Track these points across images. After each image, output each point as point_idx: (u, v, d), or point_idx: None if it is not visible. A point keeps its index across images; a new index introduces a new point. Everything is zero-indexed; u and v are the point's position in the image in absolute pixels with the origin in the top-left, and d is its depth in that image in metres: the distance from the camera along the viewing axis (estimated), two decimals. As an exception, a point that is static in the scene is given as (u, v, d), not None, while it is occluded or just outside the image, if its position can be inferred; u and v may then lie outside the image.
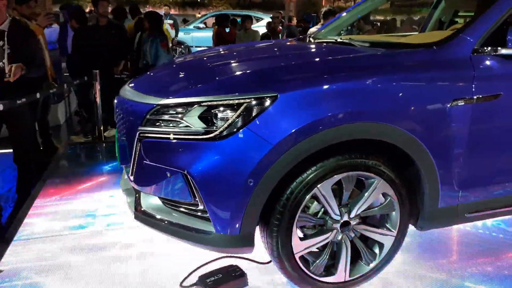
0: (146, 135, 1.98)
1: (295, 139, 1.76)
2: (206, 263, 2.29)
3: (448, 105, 1.94)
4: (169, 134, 1.90)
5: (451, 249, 2.50)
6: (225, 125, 1.79)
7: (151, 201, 2.12)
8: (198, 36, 13.21)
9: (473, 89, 1.97)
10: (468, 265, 2.33)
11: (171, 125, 1.93)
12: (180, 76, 2.34)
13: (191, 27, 13.83)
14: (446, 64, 1.99)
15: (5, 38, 3.14)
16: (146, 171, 2.05)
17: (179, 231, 1.98)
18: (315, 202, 1.94)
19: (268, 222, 1.89)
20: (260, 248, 2.06)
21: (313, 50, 2.50)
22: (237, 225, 1.84)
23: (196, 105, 1.86)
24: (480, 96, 1.98)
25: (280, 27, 14.13)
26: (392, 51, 2.09)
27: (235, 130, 1.78)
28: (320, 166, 1.84)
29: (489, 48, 2.02)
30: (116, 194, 3.27)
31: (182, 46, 12.78)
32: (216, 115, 1.83)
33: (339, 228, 1.97)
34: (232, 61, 2.43)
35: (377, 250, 2.09)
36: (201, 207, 1.90)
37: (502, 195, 2.19)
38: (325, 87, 1.83)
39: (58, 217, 2.95)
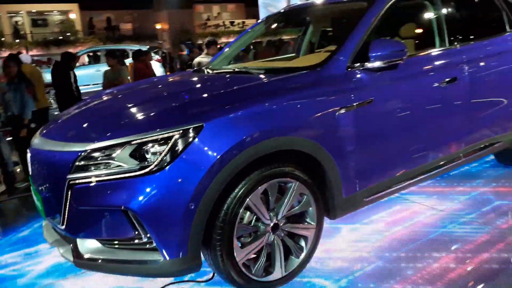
0: (77, 181, 2.04)
1: (224, 160, 2.00)
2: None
3: (337, 114, 2.39)
4: (102, 176, 2.00)
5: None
6: (160, 158, 1.95)
7: (88, 245, 2.15)
8: (78, 74, 12.55)
9: (352, 98, 2.46)
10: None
11: (101, 167, 2.03)
12: (98, 118, 2.41)
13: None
14: (330, 81, 2.45)
15: None
16: (80, 217, 2.09)
17: (127, 267, 2.07)
18: (248, 212, 2.20)
19: (210, 238, 2.09)
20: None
21: (221, 81, 2.78)
22: (184, 248, 2.01)
23: (126, 145, 2.00)
24: (358, 103, 2.47)
25: (160, 58, 14.27)
26: (286, 76, 2.48)
27: (169, 161, 1.96)
28: (248, 180, 2.12)
29: (358, 64, 2.53)
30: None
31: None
32: (147, 151, 1.99)
33: (270, 230, 2.26)
34: (148, 98, 2.59)
35: (303, 244, 2.42)
36: (145, 239, 2.02)
37: (387, 179, 2.72)
38: (240, 113, 2.12)
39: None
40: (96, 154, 2.03)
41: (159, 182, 1.95)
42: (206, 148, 2.00)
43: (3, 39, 23.51)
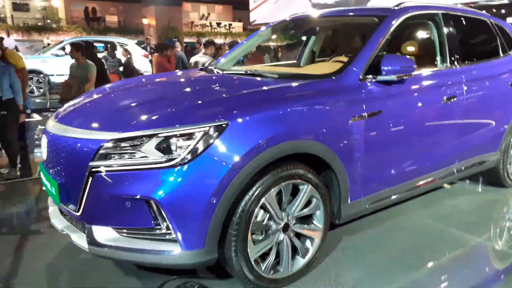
0: (99, 169, 2.07)
1: (247, 158, 2.08)
2: (163, 284, 2.41)
3: (349, 122, 2.50)
4: (126, 166, 2.04)
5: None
6: (186, 152, 2.01)
7: (103, 233, 2.17)
8: (58, 63, 12.33)
9: (364, 108, 2.58)
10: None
11: (126, 157, 2.07)
12: (122, 108, 2.43)
13: (47, 54, 12.82)
14: (345, 90, 2.56)
15: None
16: (98, 205, 2.12)
17: (143, 256, 2.11)
18: (261, 211, 2.27)
19: (225, 234, 2.16)
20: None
21: (239, 81, 2.85)
22: (202, 241, 2.07)
23: (153, 137, 2.05)
24: (369, 113, 2.60)
25: (147, 53, 14.14)
26: (304, 81, 2.58)
27: (195, 155, 2.02)
28: (265, 180, 2.20)
29: (370, 76, 2.66)
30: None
31: (42, 75, 11.78)
32: (173, 144, 2.04)
33: (281, 230, 2.35)
34: (169, 92, 2.64)
35: (309, 245, 2.52)
36: (164, 230, 2.07)
37: (389, 188, 2.86)
38: (263, 114, 2.20)
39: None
40: (122, 144, 2.06)
41: (184, 175, 2.00)
42: (230, 146, 2.07)
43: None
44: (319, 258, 2.58)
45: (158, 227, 2.07)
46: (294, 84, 2.53)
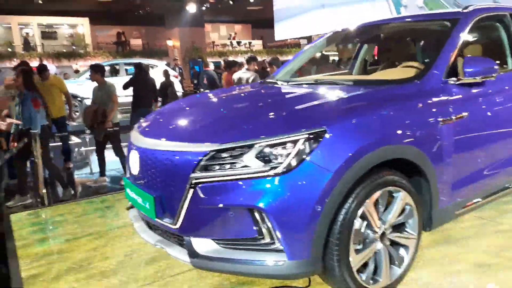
0: (201, 180, 2.07)
1: (348, 164, 2.04)
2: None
3: (439, 125, 2.45)
4: (229, 176, 2.03)
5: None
6: (289, 160, 1.99)
7: (203, 245, 2.16)
8: (91, 87, 12.64)
9: (451, 111, 2.53)
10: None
11: (227, 167, 2.06)
12: (217, 120, 2.43)
13: (82, 78, 13.20)
14: (430, 93, 2.52)
15: None
16: (200, 216, 2.11)
17: (246, 267, 2.07)
18: (359, 219, 2.22)
19: (327, 243, 2.11)
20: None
21: (320, 89, 2.83)
22: (307, 250, 2.03)
23: (254, 146, 2.04)
24: (456, 116, 2.54)
25: (177, 74, 14.41)
26: (390, 86, 2.55)
27: (297, 163, 1.99)
28: (364, 186, 2.15)
29: (454, 78, 2.61)
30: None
31: (78, 99, 12.10)
32: (273, 153, 2.03)
33: (378, 238, 2.28)
34: (255, 103, 2.65)
35: (403, 253, 2.44)
36: (267, 239, 2.04)
37: (476, 193, 2.77)
38: (359, 119, 2.18)
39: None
40: (223, 154, 2.06)
41: (288, 183, 1.98)
42: (330, 152, 2.04)
43: (8, 49, 23.68)
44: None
45: (261, 236, 2.04)
46: (382, 89, 2.50)
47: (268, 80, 3.70)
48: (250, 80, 6.09)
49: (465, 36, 2.86)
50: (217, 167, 2.07)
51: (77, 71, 18.41)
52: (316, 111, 2.28)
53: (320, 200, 1.99)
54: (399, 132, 2.28)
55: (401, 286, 2.44)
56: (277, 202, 1.97)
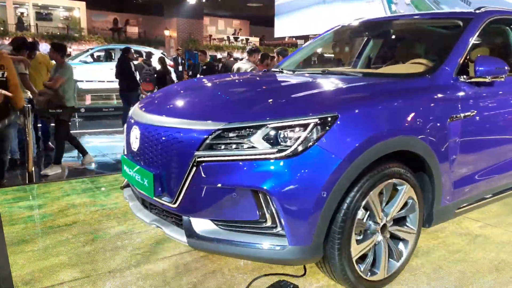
0: (205, 159, 2.00)
1: (357, 152, 2.00)
2: (252, 281, 2.32)
3: (447, 121, 2.42)
4: (235, 156, 1.97)
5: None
6: (297, 143, 1.94)
7: (202, 225, 2.10)
8: (85, 70, 12.48)
9: (460, 108, 2.51)
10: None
11: (233, 147, 2.00)
12: (225, 99, 2.38)
13: (76, 61, 12.99)
14: (441, 88, 2.49)
15: None
16: (201, 196, 2.05)
17: (246, 250, 2.02)
18: (362, 210, 2.18)
19: (329, 231, 2.06)
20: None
21: (330, 79, 2.77)
22: (310, 237, 1.98)
23: (262, 127, 1.98)
24: (464, 114, 2.52)
25: (172, 62, 14.25)
26: (402, 79, 2.52)
27: (306, 147, 1.94)
28: (370, 176, 2.11)
29: (465, 76, 2.59)
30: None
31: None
32: (282, 135, 1.97)
33: (379, 230, 2.25)
34: (268, 87, 2.60)
35: (402, 247, 2.41)
36: (269, 223, 1.98)
37: (478, 193, 2.76)
38: (373, 108, 2.14)
39: None
40: (230, 134, 2.00)
41: (295, 167, 1.93)
42: (341, 138, 1.99)
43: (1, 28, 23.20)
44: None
45: (263, 220, 1.99)
46: (394, 81, 2.47)
47: (273, 70, 3.65)
48: (248, 71, 6.03)
49: (477, 36, 2.84)
50: (223, 146, 2.01)
51: (69, 55, 18.16)
52: (329, 97, 2.23)
53: (327, 187, 1.94)
54: (410, 124, 2.25)
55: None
56: (283, 186, 1.91)
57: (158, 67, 9.72)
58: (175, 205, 2.12)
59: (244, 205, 1.98)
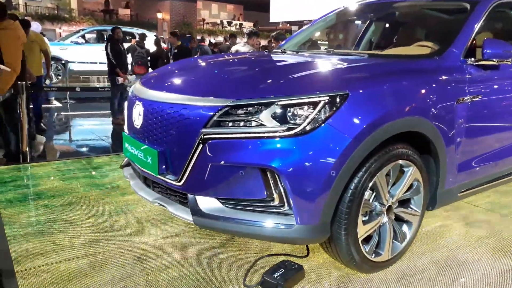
0: (212, 136, 1.96)
1: (367, 132, 1.97)
2: (256, 261, 2.31)
3: (455, 103, 2.40)
4: (243, 133, 1.93)
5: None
6: (307, 122, 1.90)
7: (208, 203, 2.06)
8: (77, 51, 12.24)
9: (466, 91, 2.49)
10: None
11: (241, 124, 1.96)
12: (233, 76, 2.34)
13: (68, 41, 12.73)
14: (449, 70, 2.46)
15: None
16: (207, 174, 2.01)
17: (253, 228, 1.99)
18: (369, 191, 2.16)
19: (336, 211, 2.04)
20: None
21: (337, 58, 2.72)
22: (317, 216, 1.95)
23: (271, 105, 1.94)
24: (471, 96, 2.50)
25: (167, 46, 14.04)
26: (412, 60, 2.48)
27: (316, 126, 1.91)
28: (379, 156, 2.09)
29: (472, 59, 2.57)
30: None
31: (62, 62, 11.66)
32: (291, 113, 1.93)
33: (385, 212, 2.24)
34: (277, 64, 2.54)
35: (406, 230, 2.41)
36: (276, 201, 1.96)
37: (481, 176, 2.76)
38: (384, 87, 2.10)
39: None
40: (238, 111, 1.96)
41: (304, 145, 1.89)
42: (351, 117, 1.96)
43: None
44: (412, 245, 2.47)
45: (271, 198, 1.96)
46: (403, 61, 2.44)
47: (276, 50, 3.58)
48: (247, 54, 5.94)
49: (484, 19, 2.81)
50: (231, 123, 1.96)
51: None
52: (339, 75, 2.19)
53: (336, 166, 1.92)
54: (419, 105, 2.23)
55: (401, 262, 2.41)
56: (292, 164, 1.88)
57: (152, 49, 9.52)
58: (180, 183, 2.08)
59: (251, 183, 1.95)
